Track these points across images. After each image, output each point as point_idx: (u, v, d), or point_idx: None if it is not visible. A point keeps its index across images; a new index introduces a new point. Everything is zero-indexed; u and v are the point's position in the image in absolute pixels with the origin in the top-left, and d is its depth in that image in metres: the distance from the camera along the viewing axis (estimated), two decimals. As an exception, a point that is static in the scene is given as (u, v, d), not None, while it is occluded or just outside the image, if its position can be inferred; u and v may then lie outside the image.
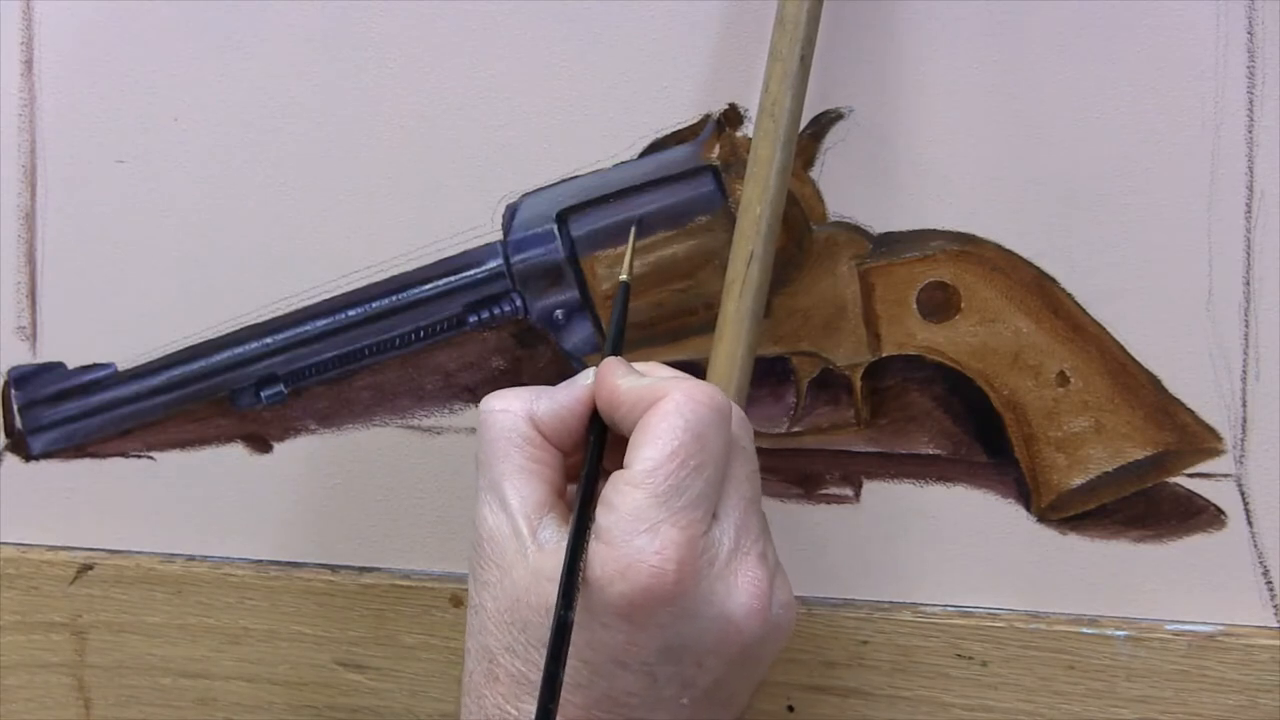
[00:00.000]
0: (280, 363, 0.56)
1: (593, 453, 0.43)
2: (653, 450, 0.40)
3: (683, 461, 0.40)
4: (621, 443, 0.43)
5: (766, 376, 0.54)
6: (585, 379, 0.44)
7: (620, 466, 0.42)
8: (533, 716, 0.39)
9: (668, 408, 0.41)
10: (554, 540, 0.42)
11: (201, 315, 0.56)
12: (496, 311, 0.54)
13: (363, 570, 0.57)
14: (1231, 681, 0.52)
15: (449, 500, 0.56)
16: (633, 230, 0.49)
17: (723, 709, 0.43)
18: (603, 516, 0.41)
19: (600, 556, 0.40)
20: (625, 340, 0.53)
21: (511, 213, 0.54)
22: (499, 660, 0.42)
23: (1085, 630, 0.53)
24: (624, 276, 0.47)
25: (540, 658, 0.40)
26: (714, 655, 0.41)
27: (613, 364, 0.44)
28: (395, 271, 0.55)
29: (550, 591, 0.40)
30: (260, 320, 0.56)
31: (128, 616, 0.58)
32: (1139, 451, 0.53)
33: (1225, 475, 0.52)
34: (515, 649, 0.41)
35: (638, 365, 0.44)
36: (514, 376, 0.55)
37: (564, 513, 0.43)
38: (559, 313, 0.54)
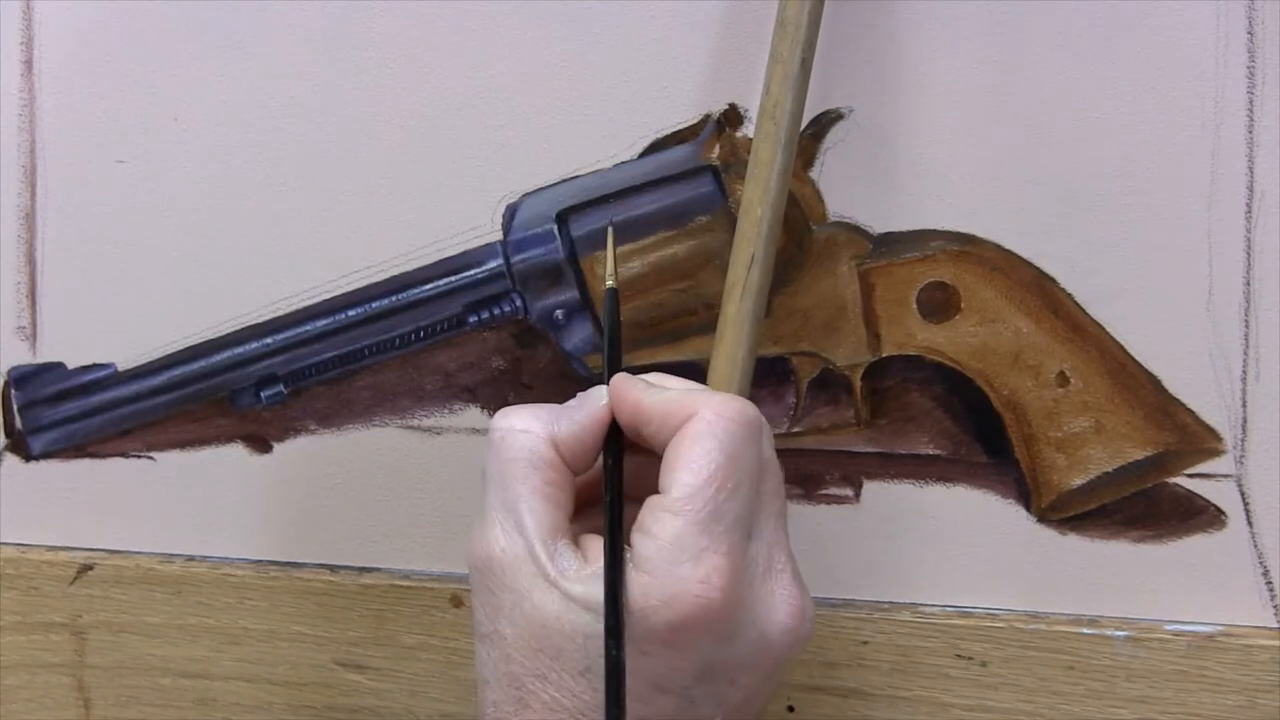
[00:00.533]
0: (280, 363, 0.56)
1: (612, 479, 0.42)
2: (689, 475, 0.40)
3: (720, 485, 0.40)
4: (633, 462, 0.43)
5: (766, 377, 0.54)
6: (600, 399, 0.43)
7: (637, 484, 0.42)
8: None
9: (699, 429, 0.41)
10: (574, 566, 0.41)
11: (201, 315, 0.56)
12: (496, 311, 0.54)
13: (363, 570, 0.57)
14: (1231, 682, 0.52)
15: (449, 500, 0.56)
16: (610, 232, 0.48)
17: (748, 718, 0.43)
18: (642, 545, 0.40)
19: (643, 586, 0.40)
20: (628, 341, 0.53)
21: (511, 213, 0.54)
22: (529, 687, 0.41)
23: (1085, 630, 0.53)
24: (610, 282, 0.46)
25: (575, 685, 0.40)
26: (749, 672, 0.41)
27: (626, 380, 0.43)
28: (395, 271, 0.55)
29: (585, 619, 0.40)
30: (260, 320, 0.56)
31: (128, 616, 0.58)
32: (1139, 452, 0.53)
33: (1225, 475, 0.52)
34: (548, 676, 0.41)
35: (650, 379, 0.44)
36: (514, 376, 0.55)
37: (575, 538, 0.42)
38: (559, 313, 0.54)
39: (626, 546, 0.41)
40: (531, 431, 0.42)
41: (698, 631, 0.40)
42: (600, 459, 0.43)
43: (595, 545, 0.41)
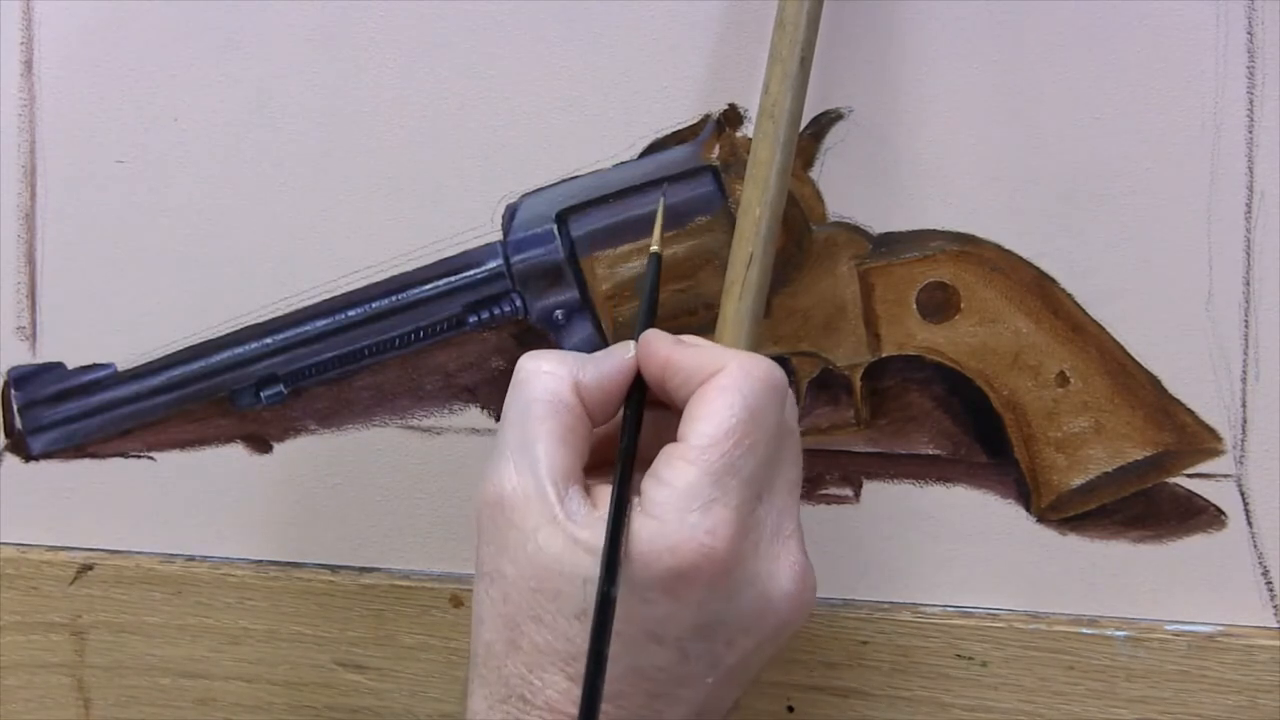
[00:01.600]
0: (280, 363, 0.56)
1: (630, 427, 0.43)
2: (709, 426, 0.40)
3: (738, 440, 0.40)
4: (649, 416, 0.43)
5: (766, 376, 0.53)
6: (626, 351, 0.43)
7: (654, 443, 0.42)
8: (555, 687, 0.39)
9: (725, 382, 0.41)
10: (583, 511, 0.41)
11: (201, 315, 0.56)
12: (496, 312, 0.54)
13: (363, 570, 0.57)
14: (1231, 681, 0.52)
15: (449, 500, 0.56)
16: (661, 200, 0.49)
17: (736, 688, 0.43)
18: (652, 489, 0.40)
19: (649, 531, 0.40)
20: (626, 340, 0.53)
21: (511, 213, 0.54)
22: (522, 629, 0.41)
23: (1085, 630, 0.53)
24: (655, 248, 0.47)
25: (569, 628, 0.40)
26: (746, 635, 0.41)
27: (657, 334, 0.43)
28: (395, 271, 0.55)
29: (588, 563, 0.40)
30: (260, 320, 0.56)
31: (128, 616, 0.58)
32: (1139, 452, 0.53)
33: (1225, 475, 0.52)
34: (542, 618, 0.40)
35: (684, 338, 0.44)
36: (514, 376, 0.55)
37: (589, 487, 0.42)
38: (559, 313, 0.54)
39: (636, 495, 0.41)
40: (556, 374, 0.43)
41: (698, 582, 0.39)
42: (621, 413, 0.43)
43: (606, 494, 0.41)
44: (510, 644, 0.41)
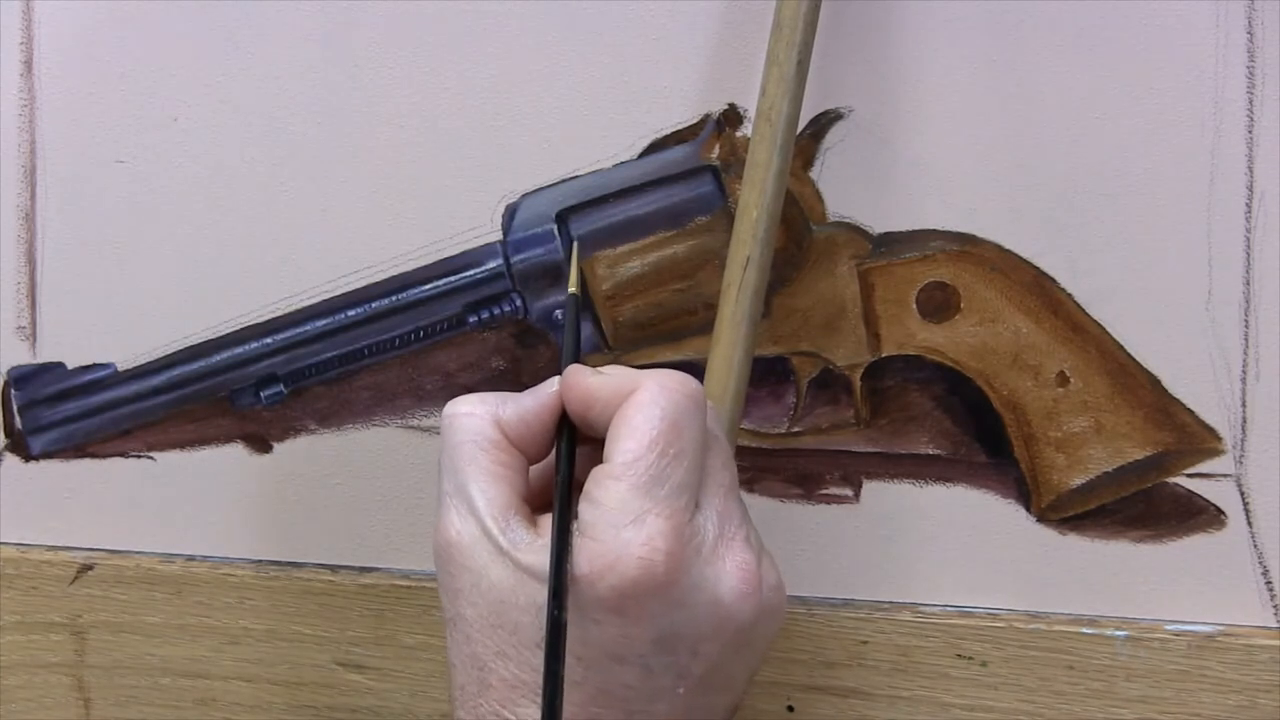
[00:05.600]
0: (280, 363, 0.56)
1: (566, 450, 0.43)
2: (632, 442, 0.40)
3: (662, 451, 0.40)
4: (587, 447, 0.43)
5: (766, 376, 0.54)
6: (551, 386, 0.44)
7: (588, 470, 0.42)
8: (532, 719, 0.39)
9: (643, 398, 0.41)
10: (526, 540, 0.41)
11: (201, 315, 0.56)
12: (496, 311, 0.54)
13: (363, 570, 0.57)
14: (1231, 681, 0.52)
15: (449, 500, 0.56)
16: (575, 245, 0.50)
17: (720, 694, 0.43)
18: (586, 511, 0.41)
19: (587, 552, 0.40)
20: (629, 341, 0.53)
21: (511, 213, 0.54)
22: (490, 667, 0.41)
23: (1085, 630, 0.53)
24: (572, 289, 0.47)
25: (534, 658, 0.40)
26: (708, 642, 0.41)
27: (577, 368, 0.44)
28: (395, 271, 0.55)
29: (538, 591, 0.40)
30: (260, 320, 0.56)
31: (128, 616, 0.58)
32: (1139, 451, 0.53)
33: (1225, 475, 0.52)
34: (506, 653, 0.41)
35: (602, 369, 0.44)
36: (514, 376, 0.55)
37: (530, 515, 0.42)
38: (559, 313, 0.54)
39: (575, 519, 0.41)
40: (476, 414, 0.43)
41: (644, 597, 0.40)
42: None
43: (549, 521, 0.42)
44: (481, 683, 0.42)
